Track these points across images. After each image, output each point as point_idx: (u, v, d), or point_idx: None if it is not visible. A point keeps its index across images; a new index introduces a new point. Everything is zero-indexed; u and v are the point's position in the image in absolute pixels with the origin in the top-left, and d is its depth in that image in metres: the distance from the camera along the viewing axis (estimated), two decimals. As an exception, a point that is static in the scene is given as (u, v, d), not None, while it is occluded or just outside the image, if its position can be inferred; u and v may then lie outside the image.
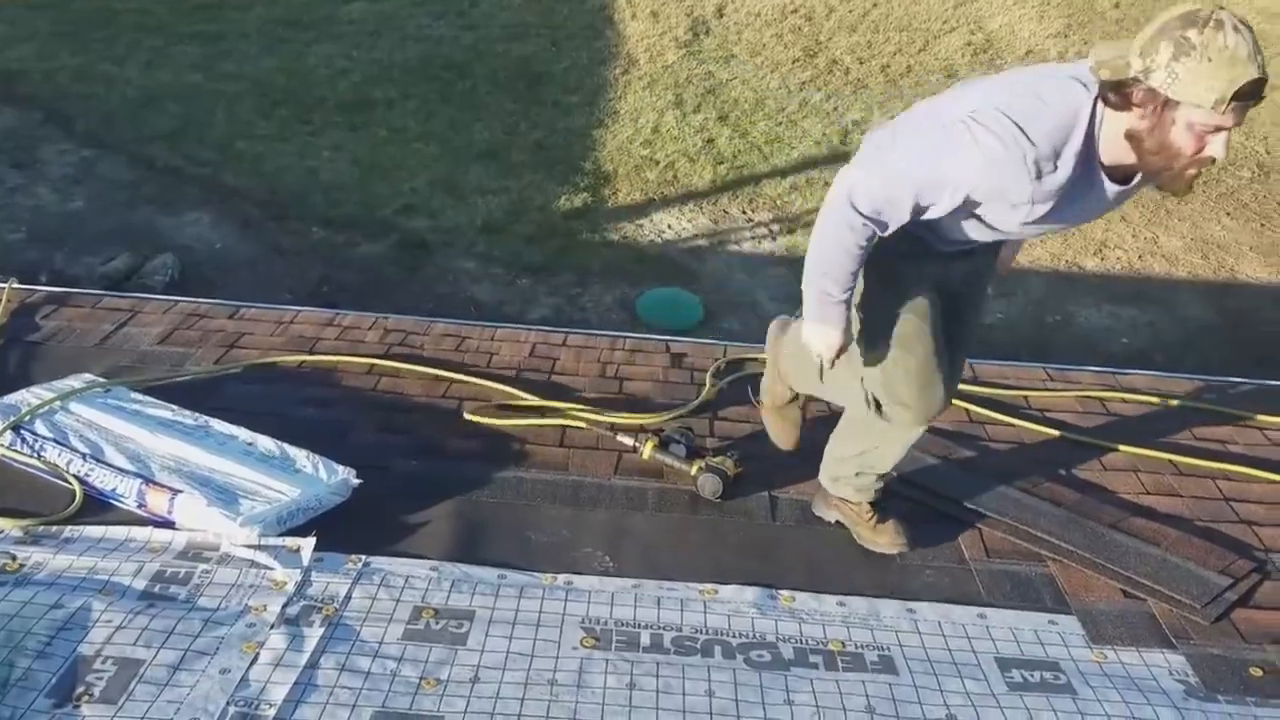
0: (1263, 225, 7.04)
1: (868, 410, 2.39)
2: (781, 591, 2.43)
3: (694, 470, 2.80)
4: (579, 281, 6.29)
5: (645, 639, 2.23)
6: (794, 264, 6.68)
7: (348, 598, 2.28)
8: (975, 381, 3.50)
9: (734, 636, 2.26)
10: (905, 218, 2.05)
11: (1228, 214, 7.25)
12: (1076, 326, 6.23)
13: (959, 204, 2.01)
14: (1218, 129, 1.82)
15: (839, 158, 7.65)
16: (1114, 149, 1.93)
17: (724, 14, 9.52)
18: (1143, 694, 2.15)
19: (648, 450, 2.89)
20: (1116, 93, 1.86)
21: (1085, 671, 2.22)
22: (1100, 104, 1.90)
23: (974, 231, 2.15)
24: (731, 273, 6.55)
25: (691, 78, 8.56)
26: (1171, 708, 2.12)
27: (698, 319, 6.01)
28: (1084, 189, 1.99)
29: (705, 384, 3.37)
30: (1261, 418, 3.37)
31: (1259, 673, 2.25)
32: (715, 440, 3.07)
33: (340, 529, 2.49)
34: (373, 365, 3.38)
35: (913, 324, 2.24)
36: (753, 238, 6.87)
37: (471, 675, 2.08)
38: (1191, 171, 1.90)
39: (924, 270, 2.25)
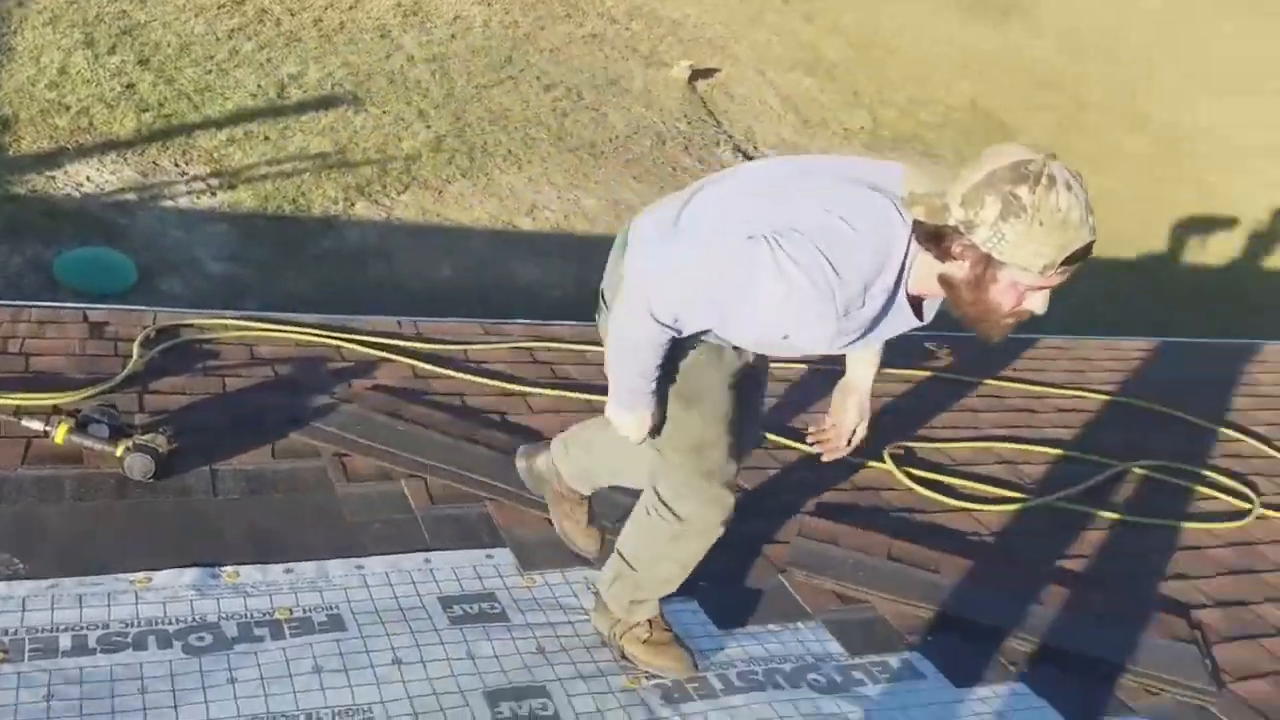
0: (662, 187, 8.08)
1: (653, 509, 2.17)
2: (225, 568, 2.35)
3: (119, 451, 2.59)
4: (-26, 242, 5.41)
5: (65, 643, 2.04)
6: (236, 220, 6.35)
7: None
8: (419, 338, 3.64)
9: (171, 623, 2.15)
10: (703, 328, 1.95)
11: (635, 178, 8.23)
12: (516, 280, 6.70)
13: (758, 327, 1.89)
14: (1041, 288, 1.70)
15: (278, 111, 7.37)
16: (925, 285, 1.79)
17: (139, -55, 8.63)
18: (564, 611, 2.43)
19: (61, 434, 2.61)
20: (933, 240, 1.69)
21: (518, 598, 2.45)
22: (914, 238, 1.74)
23: (770, 348, 2.06)
24: (167, 230, 6.05)
25: (103, 16, 7.67)
26: (587, 621, 2.41)
27: (131, 281, 5.48)
28: (891, 315, 1.87)
29: (133, 355, 3.11)
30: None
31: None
32: (146, 416, 2.86)
33: None
34: None
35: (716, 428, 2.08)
36: (189, 192, 6.39)
37: None
38: (1008, 321, 1.75)
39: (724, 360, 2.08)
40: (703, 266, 1.83)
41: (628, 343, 1.96)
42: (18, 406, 2.72)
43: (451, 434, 3.03)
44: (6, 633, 2.03)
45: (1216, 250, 9.97)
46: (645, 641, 2.29)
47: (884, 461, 3.38)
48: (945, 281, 1.73)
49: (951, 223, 1.65)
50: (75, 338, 3.24)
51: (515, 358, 3.68)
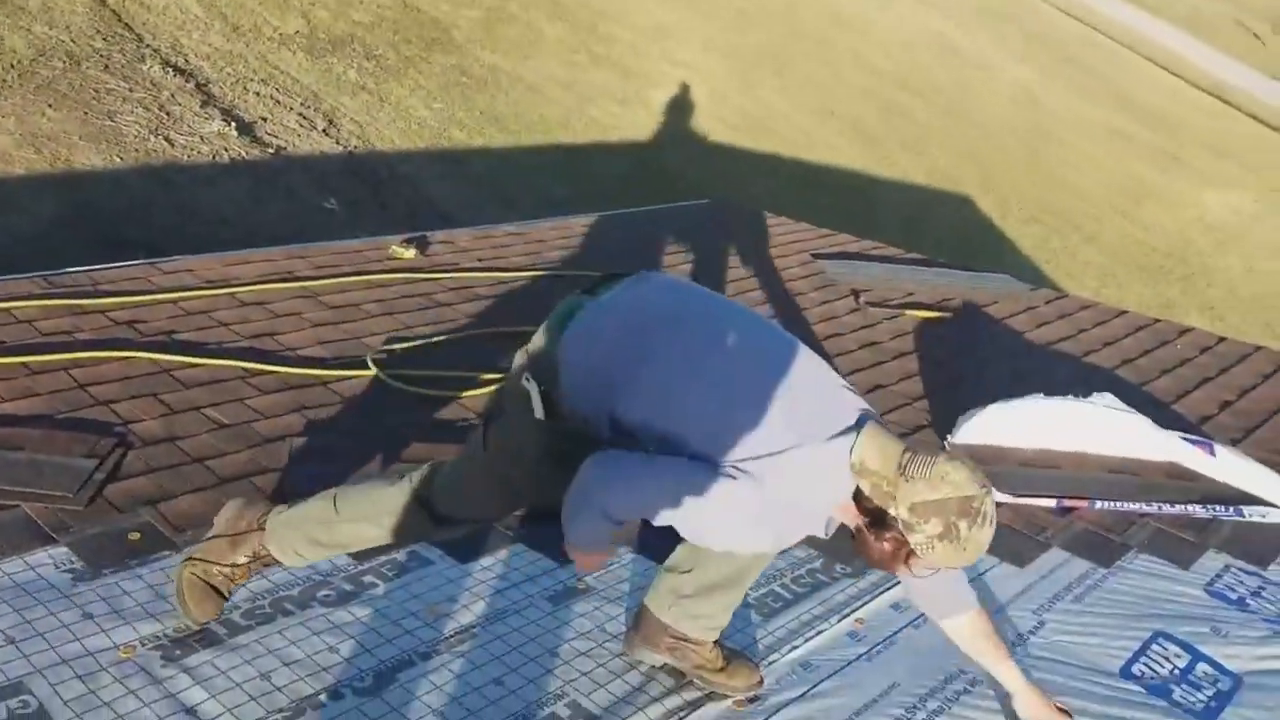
0: (86, 113, 7.21)
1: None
2: None
3: None
4: None
5: None
6: None
7: None
8: None
9: None
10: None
11: (51, 106, 7.23)
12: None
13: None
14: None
15: None
16: (839, 515, 1.97)
17: None
18: (31, 596, 2.20)
19: None
20: (872, 517, 1.89)
21: (-33, 598, 2.17)
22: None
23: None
24: None
25: None
26: (62, 600, 2.21)
27: None
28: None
29: None
30: (108, 301, 3.58)
31: (137, 536, 2.46)
32: None
33: None
34: None
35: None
36: None
37: None
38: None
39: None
40: (674, 487, 1.93)
41: (582, 527, 2.00)
42: None
43: None
44: None
45: (654, 131, 11.10)
46: (202, 581, 2.19)
47: (370, 369, 3.42)
48: (862, 538, 1.94)
49: (893, 514, 1.85)
50: None
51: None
